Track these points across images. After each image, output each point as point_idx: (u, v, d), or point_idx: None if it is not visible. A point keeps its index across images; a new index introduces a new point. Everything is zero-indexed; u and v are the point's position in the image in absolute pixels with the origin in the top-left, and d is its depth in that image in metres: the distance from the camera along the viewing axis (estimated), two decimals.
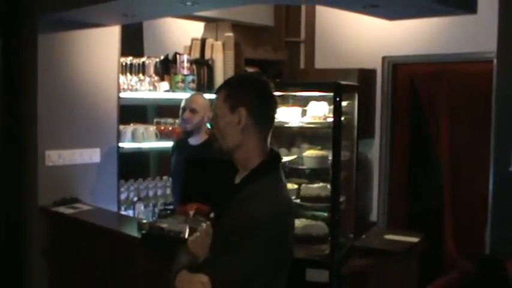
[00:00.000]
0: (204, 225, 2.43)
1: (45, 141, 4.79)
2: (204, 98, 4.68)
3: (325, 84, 3.66)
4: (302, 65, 6.66)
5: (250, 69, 5.98)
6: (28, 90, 4.82)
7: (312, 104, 3.75)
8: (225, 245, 2.15)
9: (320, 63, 6.55)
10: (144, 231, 3.73)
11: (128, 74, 5.20)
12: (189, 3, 4.07)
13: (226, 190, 2.40)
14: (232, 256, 2.12)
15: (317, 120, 3.64)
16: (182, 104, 4.54)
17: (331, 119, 3.54)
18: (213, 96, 5.30)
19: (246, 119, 2.24)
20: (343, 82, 3.54)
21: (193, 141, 4.52)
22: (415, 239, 4.07)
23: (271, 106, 2.33)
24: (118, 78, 5.13)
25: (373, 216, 6.22)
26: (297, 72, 6.52)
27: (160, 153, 5.91)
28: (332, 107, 3.57)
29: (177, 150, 4.75)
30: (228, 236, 2.15)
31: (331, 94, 3.51)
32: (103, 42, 5.07)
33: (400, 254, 3.86)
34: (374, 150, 6.21)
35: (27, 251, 4.87)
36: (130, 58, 5.24)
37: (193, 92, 5.13)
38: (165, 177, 5.61)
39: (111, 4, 4.14)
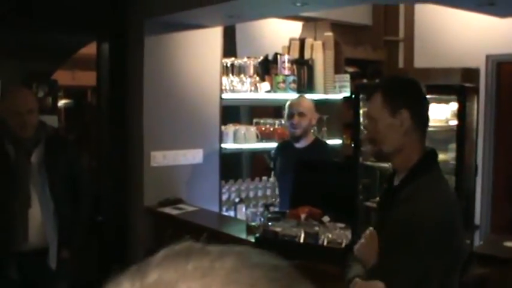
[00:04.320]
0: (368, 231, 2.38)
1: (150, 142, 4.85)
2: (308, 100, 4.64)
3: (449, 86, 3.56)
4: (401, 65, 6.52)
5: (349, 69, 5.90)
6: (134, 92, 4.88)
7: (433, 106, 3.63)
8: (391, 248, 2.15)
9: (419, 62, 6.39)
10: (257, 235, 3.69)
11: (230, 75, 5.20)
12: (298, 4, 4.03)
13: (384, 193, 2.40)
14: (399, 259, 2.11)
15: (438, 124, 3.52)
16: (288, 109, 4.50)
17: (452, 122, 3.43)
18: (313, 96, 5.29)
19: (408, 121, 2.23)
20: (466, 84, 3.43)
21: (300, 144, 4.48)
22: None
23: (427, 106, 2.34)
24: (220, 79, 5.14)
25: (476, 220, 6.03)
26: (396, 72, 6.38)
27: (260, 153, 5.89)
28: (451, 109, 3.47)
29: (282, 153, 4.71)
30: (393, 239, 2.16)
31: (449, 96, 3.41)
32: (206, 43, 5.09)
33: None
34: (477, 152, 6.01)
35: (134, 250, 4.92)
36: (232, 59, 5.23)
37: (296, 95, 5.06)
38: (264, 178, 5.58)
39: (219, 6, 4.14)
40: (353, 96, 4.60)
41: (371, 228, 2.35)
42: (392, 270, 2.12)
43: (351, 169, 3.59)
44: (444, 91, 3.50)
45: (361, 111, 3.46)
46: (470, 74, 5.85)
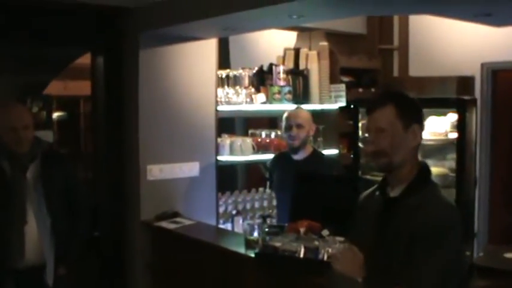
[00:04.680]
0: (343, 246, 2.40)
1: (146, 155, 4.81)
2: (306, 111, 4.61)
3: (447, 99, 3.55)
4: (396, 73, 6.52)
5: (344, 79, 5.89)
6: (130, 105, 4.84)
7: (432, 119, 3.62)
8: (412, 254, 2.15)
9: (414, 70, 6.39)
10: (257, 251, 3.65)
11: (225, 87, 5.17)
12: (294, 17, 4.01)
13: (377, 204, 2.42)
14: (426, 263, 2.12)
15: (437, 137, 3.51)
16: (285, 121, 4.47)
17: (451, 135, 3.42)
18: (309, 107, 5.27)
19: (419, 135, 2.32)
20: (465, 97, 3.42)
21: (298, 156, 4.45)
22: None
23: None
24: (216, 91, 5.11)
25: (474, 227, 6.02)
26: (391, 81, 6.37)
27: (255, 164, 5.86)
28: (450, 120, 3.45)
29: (279, 165, 4.68)
30: (412, 244, 2.16)
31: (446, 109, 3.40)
32: (201, 55, 5.05)
33: None
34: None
35: (131, 265, 4.88)
36: (227, 70, 5.21)
37: (292, 106, 5.01)
38: (260, 189, 5.55)
39: (214, 19, 4.12)
40: (351, 106, 4.60)
41: (346, 244, 2.38)
42: (419, 276, 2.13)
43: (350, 182, 3.57)
44: (443, 104, 3.49)
45: (359, 124, 3.45)
46: (466, 82, 5.86)
